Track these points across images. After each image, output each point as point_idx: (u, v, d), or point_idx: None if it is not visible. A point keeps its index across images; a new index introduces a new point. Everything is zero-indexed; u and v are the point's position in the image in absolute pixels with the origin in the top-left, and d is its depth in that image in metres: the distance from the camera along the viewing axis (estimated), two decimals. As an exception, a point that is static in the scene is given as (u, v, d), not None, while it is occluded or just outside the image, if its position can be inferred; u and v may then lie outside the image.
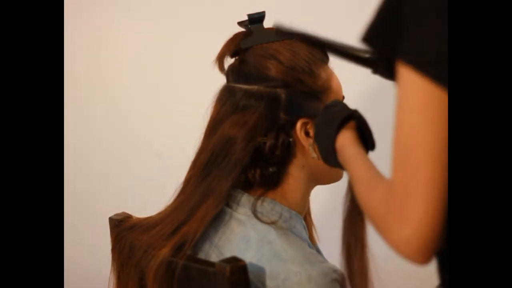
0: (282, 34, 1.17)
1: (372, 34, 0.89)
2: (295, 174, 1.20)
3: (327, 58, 1.23)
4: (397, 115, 0.84)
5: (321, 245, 1.33)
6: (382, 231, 0.86)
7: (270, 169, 1.18)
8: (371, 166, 0.98)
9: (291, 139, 1.18)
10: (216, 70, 1.24)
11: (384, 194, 0.87)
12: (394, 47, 0.85)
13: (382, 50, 0.89)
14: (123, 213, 1.27)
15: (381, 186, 0.90)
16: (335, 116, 1.10)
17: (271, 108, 1.17)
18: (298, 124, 1.17)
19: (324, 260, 1.15)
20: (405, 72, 0.83)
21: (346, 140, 1.07)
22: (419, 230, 0.81)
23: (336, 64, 1.23)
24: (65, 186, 1.18)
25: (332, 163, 1.10)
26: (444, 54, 0.81)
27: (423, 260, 0.83)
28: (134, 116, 2.13)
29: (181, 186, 1.22)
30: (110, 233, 1.25)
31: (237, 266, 1.07)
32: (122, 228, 1.23)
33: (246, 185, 1.20)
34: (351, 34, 2.05)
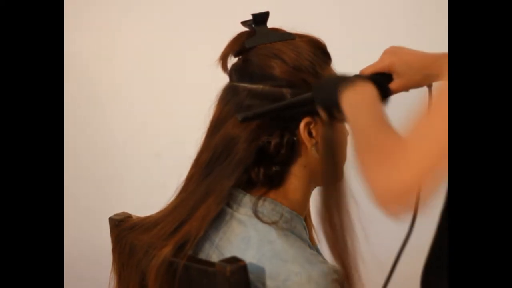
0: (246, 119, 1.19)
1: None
2: (298, 173, 1.20)
3: (330, 60, 1.23)
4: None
5: (321, 246, 1.33)
6: (379, 169, 0.92)
7: (274, 168, 1.18)
8: (387, 116, 1.02)
9: (295, 138, 1.18)
10: (217, 70, 1.24)
11: (399, 141, 0.92)
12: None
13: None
14: (123, 213, 1.27)
15: (395, 134, 0.95)
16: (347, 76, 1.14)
17: (276, 114, 1.17)
18: (302, 124, 1.18)
19: (324, 261, 1.15)
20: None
21: (368, 85, 1.09)
22: (406, 184, 0.88)
23: (339, 65, 1.24)
24: (65, 186, 1.18)
25: (328, 100, 1.12)
26: None
27: (388, 208, 0.92)
28: (134, 116, 2.13)
29: (182, 184, 1.22)
30: (110, 233, 1.25)
31: (237, 266, 1.07)
32: (123, 228, 1.23)
33: (248, 185, 1.20)
34: (351, 34, 2.06)
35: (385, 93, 1.14)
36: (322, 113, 1.14)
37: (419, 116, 0.91)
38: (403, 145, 0.90)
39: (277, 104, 1.16)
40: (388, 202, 0.90)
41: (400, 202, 0.89)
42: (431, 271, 1.05)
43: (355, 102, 1.06)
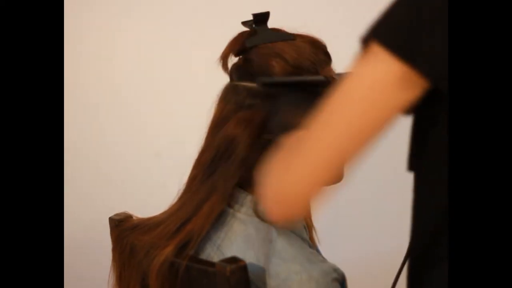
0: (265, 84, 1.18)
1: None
2: None
3: (330, 60, 1.24)
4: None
5: (321, 247, 1.33)
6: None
7: None
8: None
9: None
10: (216, 70, 1.25)
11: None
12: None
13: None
14: (124, 213, 1.27)
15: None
16: None
17: (297, 87, 1.17)
18: None
19: (324, 260, 1.15)
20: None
21: None
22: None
23: (339, 65, 1.24)
24: (65, 186, 1.18)
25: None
26: None
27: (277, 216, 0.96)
28: (134, 116, 2.13)
29: (185, 185, 1.22)
30: (111, 233, 1.25)
31: (237, 266, 1.07)
32: (124, 229, 1.23)
33: (250, 183, 1.20)
34: (350, 34, 2.06)
35: None
36: None
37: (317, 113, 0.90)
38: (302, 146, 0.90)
39: (302, 78, 1.17)
40: (272, 207, 0.92)
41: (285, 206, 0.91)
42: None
43: None
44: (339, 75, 1.19)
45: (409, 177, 0.96)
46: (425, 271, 0.91)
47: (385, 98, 0.85)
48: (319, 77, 1.17)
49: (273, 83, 1.16)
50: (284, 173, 0.90)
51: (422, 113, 0.90)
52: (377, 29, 0.86)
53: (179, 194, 1.22)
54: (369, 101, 0.85)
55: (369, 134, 0.86)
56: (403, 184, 1.01)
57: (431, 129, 0.89)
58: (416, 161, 0.93)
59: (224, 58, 1.23)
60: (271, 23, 1.24)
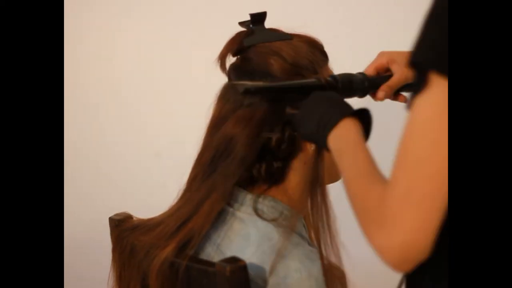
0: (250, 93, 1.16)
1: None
2: (298, 169, 1.20)
3: (327, 59, 1.24)
4: (414, 123, 0.84)
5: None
6: (369, 230, 0.87)
7: (275, 165, 1.19)
8: (372, 160, 0.97)
9: (296, 133, 1.18)
10: (216, 70, 1.25)
11: (381, 194, 0.86)
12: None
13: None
14: (124, 213, 1.27)
15: (380, 184, 0.90)
16: (343, 103, 1.07)
17: (277, 104, 1.17)
18: None
19: (324, 258, 1.15)
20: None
21: (353, 126, 1.03)
22: (406, 243, 0.82)
23: (339, 65, 1.24)
24: (65, 186, 1.18)
25: (319, 139, 1.06)
26: None
27: (402, 269, 0.86)
28: (134, 116, 2.13)
29: (186, 184, 1.22)
30: (111, 233, 1.25)
31: (237, 266, 1.07)
32: (124, 229, 1.23)
33: (249, 182, 1.20)
34: (350, 34, 2.06)
35: (368, 127, 1.06)
36: (309, 147, 1.16)
37: (396, 156, 0.85)
38: (389, 198, 0.84)
39: (280, 83, 1.16)
40: (396, 262, 0.84)
41: (406, 259, 0.83)
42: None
43: (339, 147, 1.02)
44: (339, 75, 1.20)
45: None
46: (424, 271, 0.91)
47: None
48: (306, 81, 1.16)
49: (255, 90, 1.15)
50: (401, 227, 0.83)
51: None
52: (429, 56, 0.84)
53: (179, 194, 1.22)
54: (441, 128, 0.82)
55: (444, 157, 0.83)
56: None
57: None
58: None
59: (222, 58, 1.23)
60: (271, 23, 1.24)
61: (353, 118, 1.04)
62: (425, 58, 0.84)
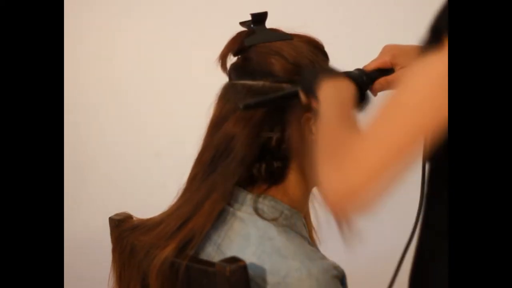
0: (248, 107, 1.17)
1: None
2: (298, 169, 1.20)
3: (328, 59, 1.24)
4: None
5: (321, 247, 1.33)
6: (325, 168, 0.90)
7: (275, 164, 1.19)
8: (353, 114, 1.00)
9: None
10: (216, 70, 1.25)
11: (351, 140, 0.89)
12: None
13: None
14: (124, 213, 1.27)
15: (354, 132, 0.92)
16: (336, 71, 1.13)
17: (277, 103, 1.17)
18: (303, 119, 1.18)
19: (324, 257, 1.15)
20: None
21: (347, 85, 1.08)
22: (352, 190, 0.86)
23: (339, 66, 1.24)
24: (65, 186, 1.18)
25: (309, 86, 1.10)
26: None
27: (337, 212, 0.91)
28: (134, 116, 2.14)
29: (186, 184, 1.22)
30: (111, 234, 1.25)
31: (237, 266, 1.07)
32: (124, 229, 1.23)
33: (249, 182, 1.20)
34: (350, 34, 2.06)
35: (363, 94, 1.12)
36: (303, 97, 1.14)
37: (377, 112, 0.87)
38: (358, 144, 0.87)
39: (281, 93, 1.17)
40: (335, 203, 0.88)
41: (346, 203, 0.87)
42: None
43: (330, 95, 1.05)
44: (332, 70, 1.20)
45: (409, 177, 0.96)
46: (426, 270, 0.91)
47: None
48: (289, 91, 1.17)
49: (255, 105, 1.16)
50: (348, 168, 0.87)
51: None
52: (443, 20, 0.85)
53: (179, 193, 1.22)
54: (441, 89, 0.83)
55: (433, 125, 0.84)
56: (404, 184, 1.01)
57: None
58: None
59: (222, 57, 1.24)
60: (271, 23, 1.24)
61: (350, 80, 1.09)
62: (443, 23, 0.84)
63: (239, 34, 1.24)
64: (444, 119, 0.83)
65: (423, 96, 0.84)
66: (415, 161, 0.86)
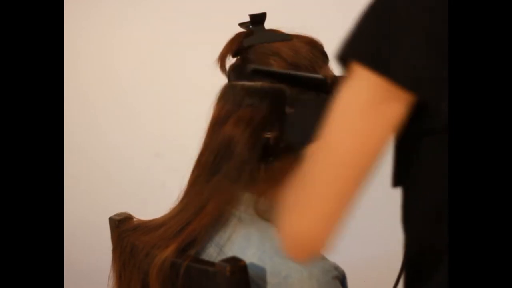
0: (258, 73, 1.17)
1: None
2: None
3: (328, 59, 1.24)
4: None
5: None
6: (282, 213, 0.89)
7: (275, 164, 1.19)
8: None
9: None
10: (216, 70, 1.25)
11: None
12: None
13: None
14: (124, 213, 1.27)
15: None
16: None
17: (277, 104, 1.17)
18: None
19: (325, 258, 1.15)
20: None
21: None
22: (302, 232, 0.86)
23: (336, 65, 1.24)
24: (65, 186, 1.18)
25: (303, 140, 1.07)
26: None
27: (296, 256, 0.92)
28: (134, 116, 2.14)
29: (187, 186, 1.22)
30: (111, 234, 1.25)
31: (237, 266, 1.08)
32: (124, 229, 1.23)
33: (249, 182, 1.20)
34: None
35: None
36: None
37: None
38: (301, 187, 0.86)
39: (288, 71, 1.17)
40: (292, 249, 0.89)
41: (300, 249, 0.88)
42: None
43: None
44: (338, 76, 1.20)
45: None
46: (423, 271, 0.91)
47: (375, 116, 0.82)
48: (317, 75, 1.17)
49: (264, 72, 1.16)
50: (297, 216, 0.87)
51: (412, 127, 0.87)
52: (351, 46, 0.84)
53: (181, 196, 1.22)
54: (363, 122, 0.82)
55: (369, 156, 0.84)
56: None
57: (423, 140, 0.87)
58: (405, 175, 0.92)
59: (222, 58, 1.24)
60: (271, 24, 1.24)
61: None
62: (351, 49, 0.84)
63: (238, 35, 1.24)
64: (376, 144, 0.82)
65: (343, 135, 0.83)
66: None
